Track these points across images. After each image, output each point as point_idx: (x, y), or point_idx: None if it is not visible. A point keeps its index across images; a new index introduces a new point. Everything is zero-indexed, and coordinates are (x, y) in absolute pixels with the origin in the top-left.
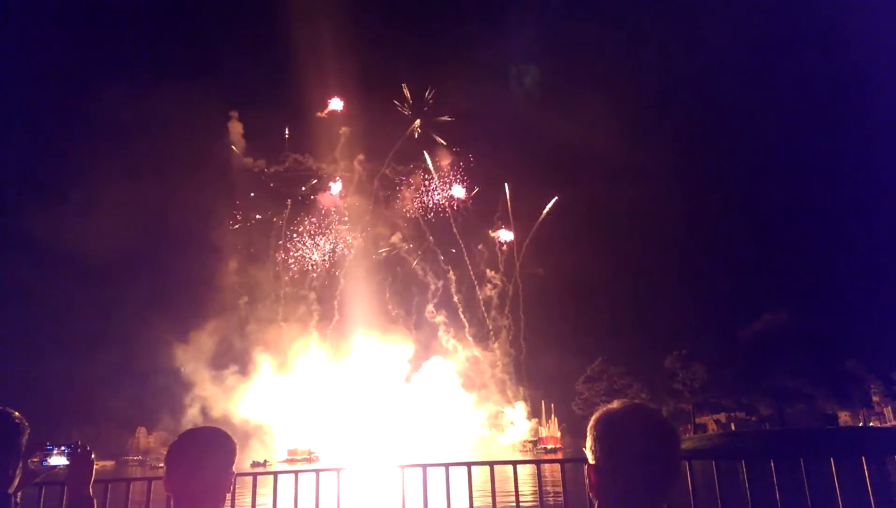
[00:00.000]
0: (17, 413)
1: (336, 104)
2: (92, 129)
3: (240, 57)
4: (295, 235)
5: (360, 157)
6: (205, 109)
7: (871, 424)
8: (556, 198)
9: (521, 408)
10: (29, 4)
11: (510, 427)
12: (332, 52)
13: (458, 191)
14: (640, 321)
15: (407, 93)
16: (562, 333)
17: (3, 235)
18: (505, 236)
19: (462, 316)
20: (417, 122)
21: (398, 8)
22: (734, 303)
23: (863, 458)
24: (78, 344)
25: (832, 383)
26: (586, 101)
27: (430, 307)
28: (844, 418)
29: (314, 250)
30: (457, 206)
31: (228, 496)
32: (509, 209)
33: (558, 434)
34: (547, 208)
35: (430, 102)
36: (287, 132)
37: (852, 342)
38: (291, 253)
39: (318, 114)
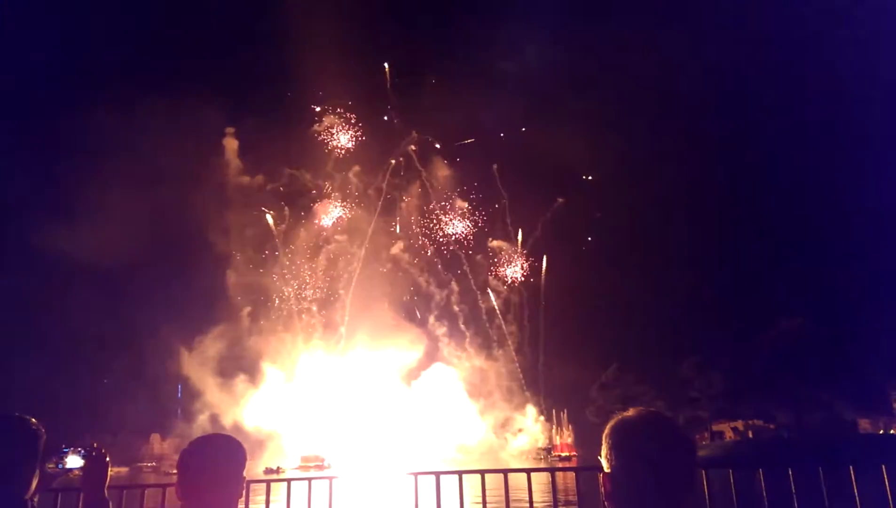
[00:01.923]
0: (33, 420)
1: (343, 139)
2: (96, 138)
3: (237, 70)
4: (294, 247)
5: (357, 168)
6: (203, 122)
7: (891, 431)
8: (561, 201)
9: (531, 412)
10: (28, 13)
11: (520, 434)
12: (324, 65)
13: (457, 226)
14: (654, 328)
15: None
16: (575, 340)
17: (19, 248)
18: (512, 271)
19: (462, 326)
20: (414, 134)
21: (392, 17)
22: (752, 309)
23: (883, 466)
24: (90, 353)
25: (852, 390)
26: (588, 109)
27: (433, 320)
28: (864, 425)
29: (314, 262)
30: (457, 235)
31: (242, 502)
32: (507, 204)
33: (572, 442)
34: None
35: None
36: (282, 147)
37: (872, 348)
38: (292, 266)
39: (315, 127)
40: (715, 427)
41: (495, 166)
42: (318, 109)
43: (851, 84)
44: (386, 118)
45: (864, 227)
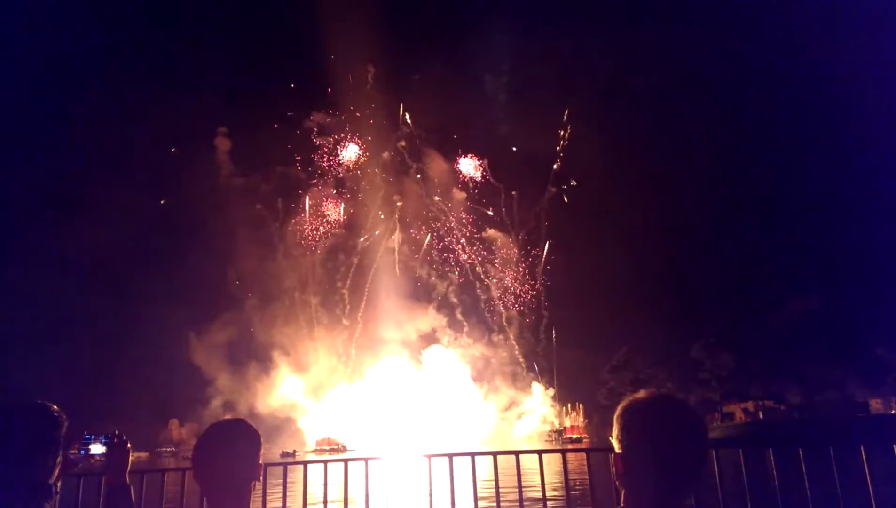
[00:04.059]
0: (55, 407)
1: (351, 152)
2: (103, 135)
3: (229, 71)
4: (293, 240)
5: (352, 163)
6: (196, 120)
7: None
8: (554, 190)
9: (538, 391)
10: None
11: (524, 417)
12: (315, 63)
13: (453, 218)
14: (665, 310)
15: (404, 116)
16: (586, 322)
17: (31, 245)
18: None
19: (460, 317)
20: (408, 119)
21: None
22: (762, 290)
23: (894, 446)
24: (107, 342)
25: (862, 370)
26: (598, 89)
27: (433, 310)
28: (875, 405)
29: (314, 254)
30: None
31: (259, 485)
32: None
33: (583, 424)
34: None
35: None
36: (274, 144)
37: (883, 328)
38: (291, 259)
39: (307, 123)
40: (726, 408)
41: (486, 160)
42: (308, 108)
43: (858, 70)
44: (375, 117)
45: (877, 209)
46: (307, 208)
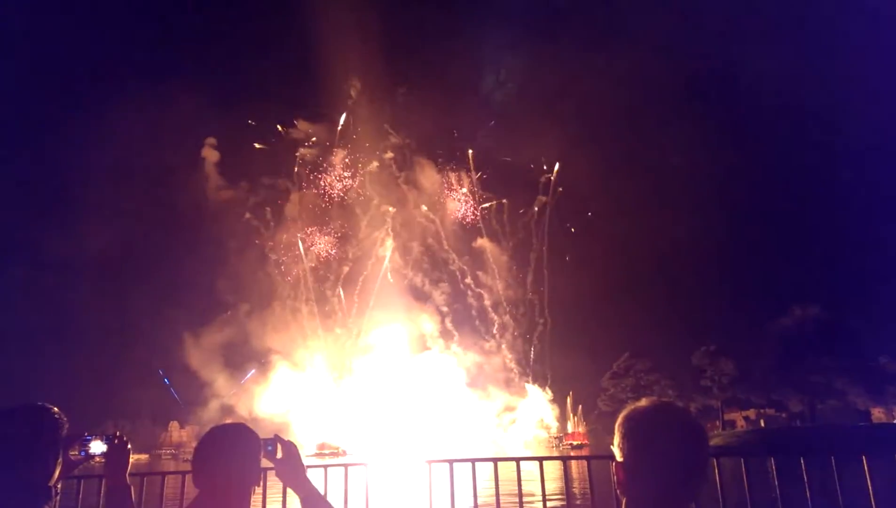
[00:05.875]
0: (55, 409)
1: (340, 162)
2: (97, 136)
3: (217, 82)
4: (283, 248)
5: (342, 173)
6: (185, 130)
7: None
8: (544, 199)
9: (534, 395)
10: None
11: (518, 423)
12: (303, 71)
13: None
14: (666, 316)
15: (392, 127)
16: (585, 329)
17: (29, 247)
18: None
19: (450, 324)
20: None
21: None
22: (764, 297)
23: None
24: (106, 344)
25: (865, 378)
26: (592, 96)
27: (426, 318)
28: (878, 414)
29: (304, 262)
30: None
31: (259, 490)
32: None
33: (584, 430)
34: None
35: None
36: (262, 155)
37: (885, 336)
38: (282, 266)
39: (290, 133)
40: (727, 416)
41: (476, 170)
42: (294, 118)
43: (861, 74)
44: (363, 127)
45: (881, 216)
46: (294, 219)
